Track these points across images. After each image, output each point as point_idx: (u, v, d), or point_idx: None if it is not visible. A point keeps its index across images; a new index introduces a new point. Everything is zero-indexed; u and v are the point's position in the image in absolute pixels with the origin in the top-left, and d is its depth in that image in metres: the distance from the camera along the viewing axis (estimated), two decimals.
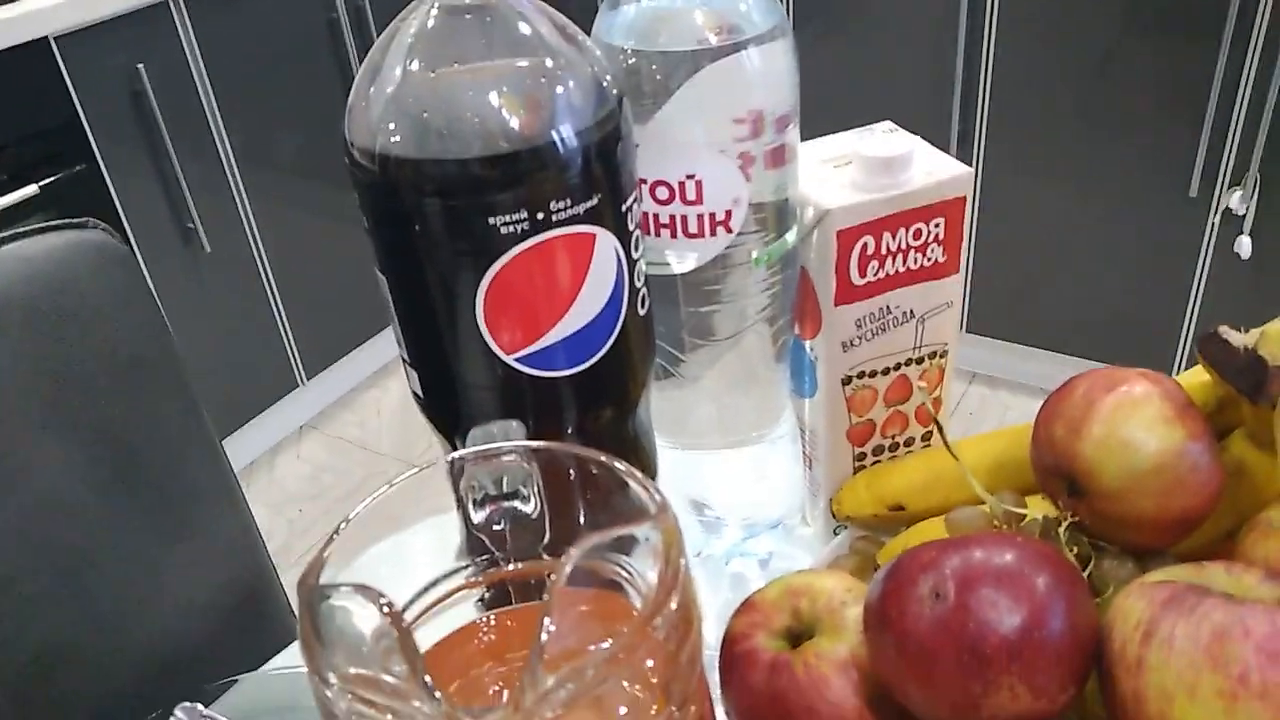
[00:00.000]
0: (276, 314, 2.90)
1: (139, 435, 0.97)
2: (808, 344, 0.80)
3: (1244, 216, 2.34)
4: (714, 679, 0.62)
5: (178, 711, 0.50)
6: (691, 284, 0.72)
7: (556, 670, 0.38)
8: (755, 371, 0.80)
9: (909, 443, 0.86)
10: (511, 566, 0.52)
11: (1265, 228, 2.34)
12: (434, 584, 0.51)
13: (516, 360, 0.59)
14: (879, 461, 0.85)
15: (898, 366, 0.81)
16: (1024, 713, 0.52)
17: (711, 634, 0.63)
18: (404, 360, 0.64)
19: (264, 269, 2.83)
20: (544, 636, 0.39)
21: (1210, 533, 0.65)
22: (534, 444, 0.50)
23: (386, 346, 3.26)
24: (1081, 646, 0.53)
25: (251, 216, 2.76)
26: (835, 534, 0.87)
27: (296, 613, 0.41)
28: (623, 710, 0.44)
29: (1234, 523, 0.64)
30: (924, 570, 0.55)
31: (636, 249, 0.62)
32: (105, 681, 0.93)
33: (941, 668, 0.53)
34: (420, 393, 0.64)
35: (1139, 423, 0.62)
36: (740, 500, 0.86)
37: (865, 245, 0.74)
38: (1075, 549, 0.64)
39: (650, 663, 0.43)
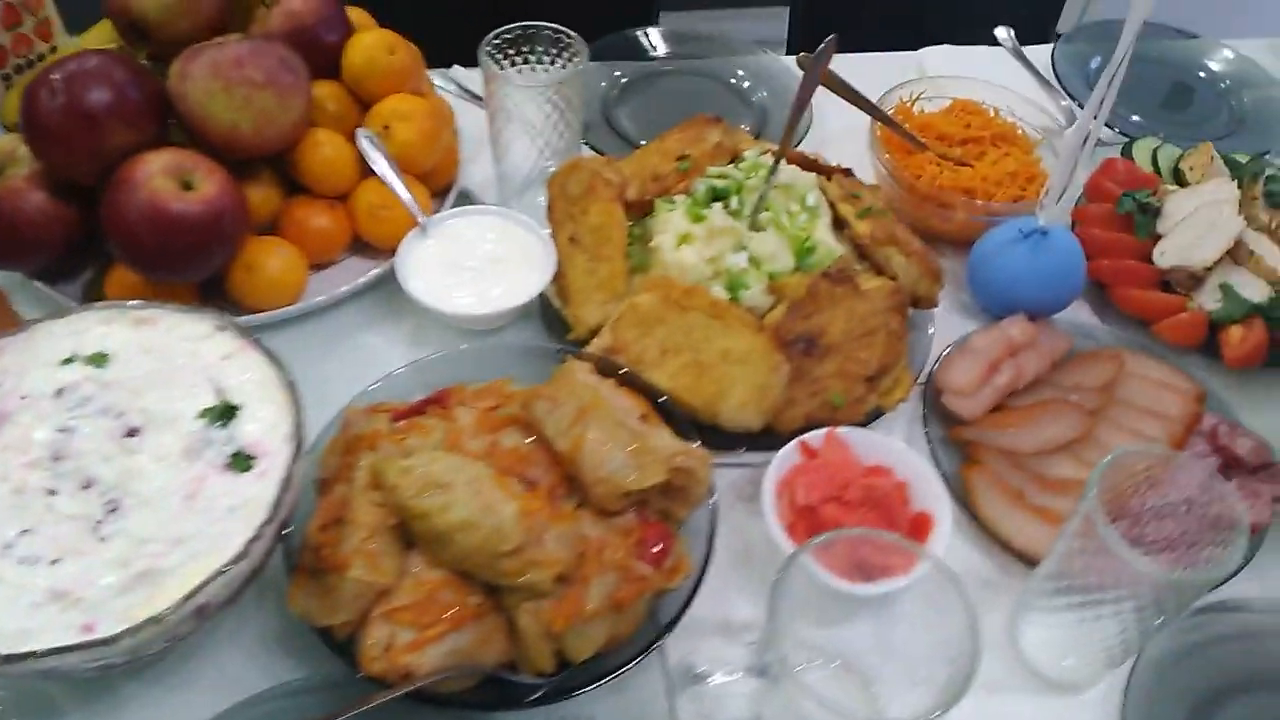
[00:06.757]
0: None
1: None
2: None
3: None
4: None
5: None
6: None
7: None
8: None
9: (40, 57, 1.13)
10: None
11: None
12: None
13: None
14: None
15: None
16: (128, 144, 0.90)
17: None
18: None
19: None
20: None
21: None
22: None
23: None
24: (152, 100, 0.91)
25: None
26: None
27: None
28: None
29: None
30: (43, 83, 0.87)
31: None
32: None
33: (71, 130, 0.88)
34: None
35: None
36: None
37: None
38: None
39: None
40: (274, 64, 0.92)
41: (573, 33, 1.02)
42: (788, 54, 1.82)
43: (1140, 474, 0.75)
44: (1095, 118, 0.92)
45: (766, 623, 0.68)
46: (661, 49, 1.36)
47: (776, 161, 0.96)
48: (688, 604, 0.76)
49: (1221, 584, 0.83)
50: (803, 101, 0.94)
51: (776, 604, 0.68)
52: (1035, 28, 1.92)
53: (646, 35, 1.37)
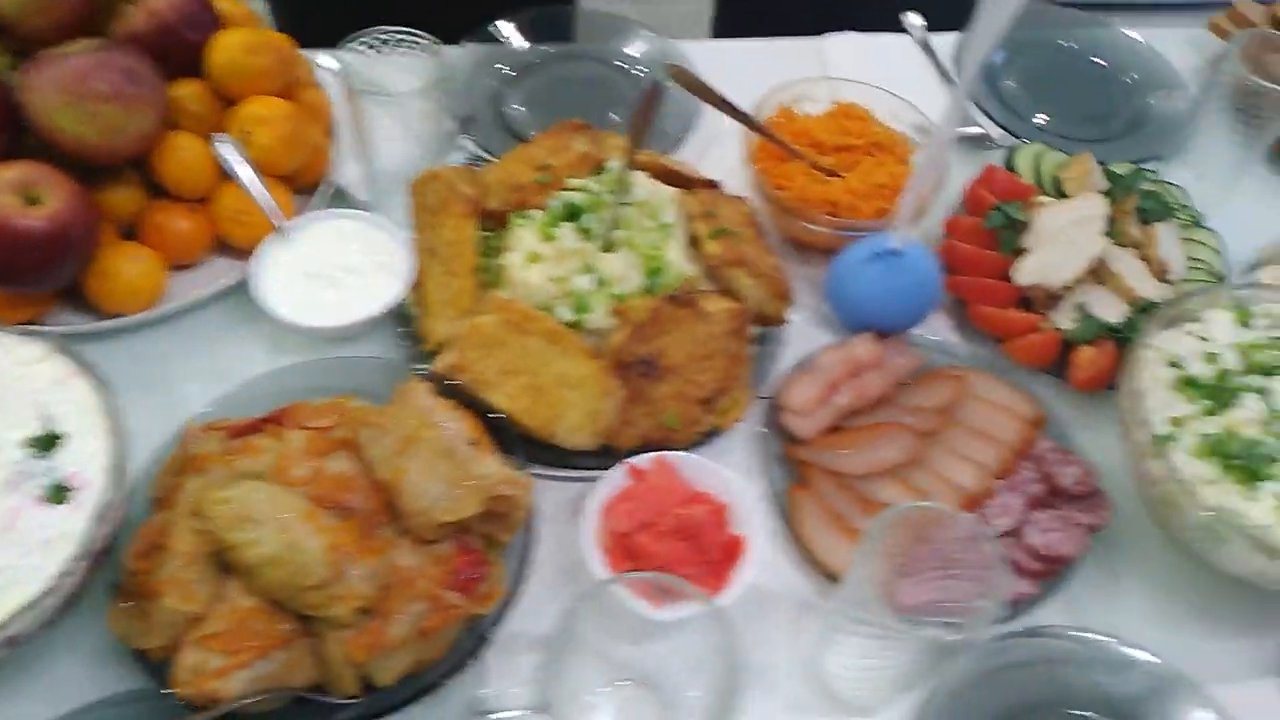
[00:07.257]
0: None
1: None
2: None
3: None
4: None
5: None
6: None
7: None
8: None
9: None
10: None
11: None
12: None
13: None
14: None
15: None
16: None
17: None
18: None
19: None
20: None
21: None
22: None
23: None
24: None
25: None
26: None
27: None
28: None
29: None
30: None
31: None
32: None
33: None
34: None
35: None
36: None
37: None
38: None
39: None
40: (119, 76, 0.92)
41: (431, 39, 1.01)
42: (717, 18, 1.79)
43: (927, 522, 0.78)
44: (932, 163, 0.92)
45: (551, 656, 0.72)
46: (552, 34, 1.34)
47: (623, 181, 0.96)
48: (489, 633, 0.80)
49: (1018, 619, 0.88)
50: (638, 135, 0.95)
51: (564, 638, 0.72)
52: None
53: (531, 20, 1.33)
